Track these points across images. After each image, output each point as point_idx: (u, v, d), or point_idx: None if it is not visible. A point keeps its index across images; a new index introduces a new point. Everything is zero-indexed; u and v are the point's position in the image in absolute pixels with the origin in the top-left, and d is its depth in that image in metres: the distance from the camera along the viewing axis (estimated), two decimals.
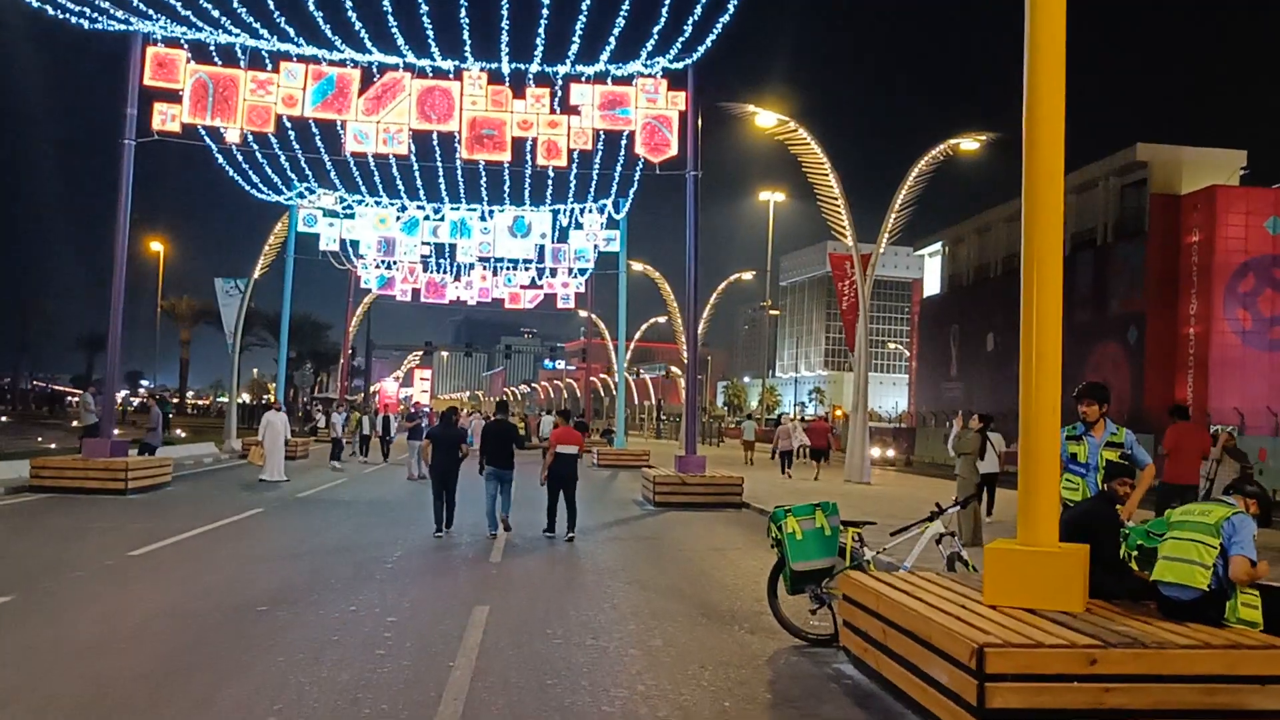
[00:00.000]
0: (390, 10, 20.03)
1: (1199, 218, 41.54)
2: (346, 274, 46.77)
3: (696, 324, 23.80)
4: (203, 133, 22.45)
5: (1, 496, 18.27)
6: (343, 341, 61.17)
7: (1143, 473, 7.95)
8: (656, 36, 20.49)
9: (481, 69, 21.37)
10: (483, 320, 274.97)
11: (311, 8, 19.56)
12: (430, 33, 20.48)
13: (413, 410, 36.54)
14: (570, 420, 17.07)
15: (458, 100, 21.38)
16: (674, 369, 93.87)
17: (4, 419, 55.29)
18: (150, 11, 19.71)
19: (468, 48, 20.95)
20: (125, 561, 11.76)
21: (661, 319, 62.90)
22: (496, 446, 15.26)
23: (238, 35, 20.68)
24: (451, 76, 21.44)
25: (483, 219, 34.47)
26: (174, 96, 20.84)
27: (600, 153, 24.09)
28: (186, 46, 20.70)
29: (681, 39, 20.39)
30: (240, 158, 25.06)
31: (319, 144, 23.49)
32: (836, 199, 29.03)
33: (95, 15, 19.65)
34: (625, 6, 19.68)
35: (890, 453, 45.29)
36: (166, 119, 20.93)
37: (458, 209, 34.06)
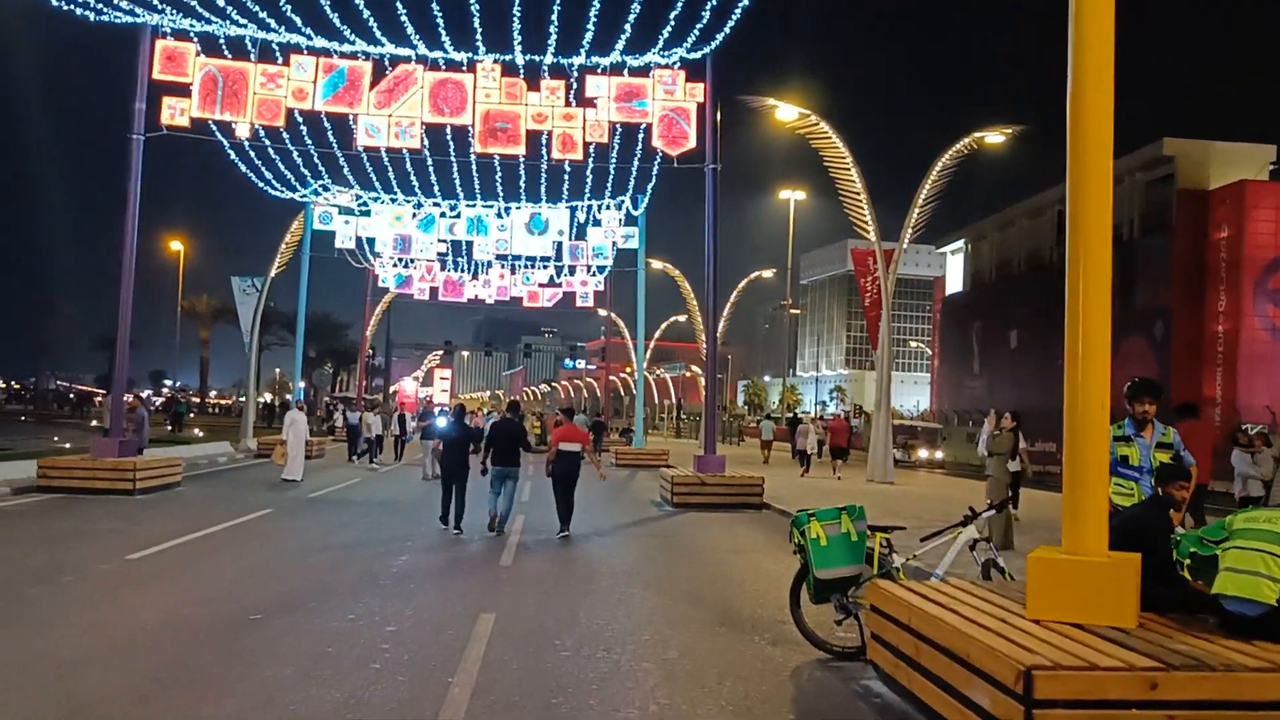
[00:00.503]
0: (402, 0, 19.61)
1: (1227, 213, 40.77)
2: (364, 273, 46.52)
3: (716, 322, 23.26)
4: (213, 128, 22.07)
5: (7, 497, 17.92)
6: (363, 343, 60.83)
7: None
8: (673, 24, 20.00)
9: (495, 61, 20.92)
10: (503, 320, 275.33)
11: None
12: (442, 24, 20.09)
13: (424, 409, 36.06)
14: (573, 418, 16.82)
15: (471, 93, 20.94)
16: (694, 368, 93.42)
17: (22, 419, 55.17)
18: (156, 3, 19.34)
19: (480, 39, 20.49)
20: (122, 566, 11.33)
21: (681, 318, 62.38)
22: (504, 446, 15.27)
23: (247, 27, 20.28)
24: (464, 69, 21.01)
25: (499, 216, 34.04)
26: (183, 90, 20.49)
27: (617, 147, 23.61)
28: (196, 39, 20.33)
29: (699, 26, 19.89)
30: (253, 154, 24.68)
31: (331, 139, 23.07)
32: (859, 194, 28.46)
33: (103, 7, 19.30)
34: None
35: (939, 454, 43.62)
36: (175, 113, 20.59)
37: (474, 206, 33.63)
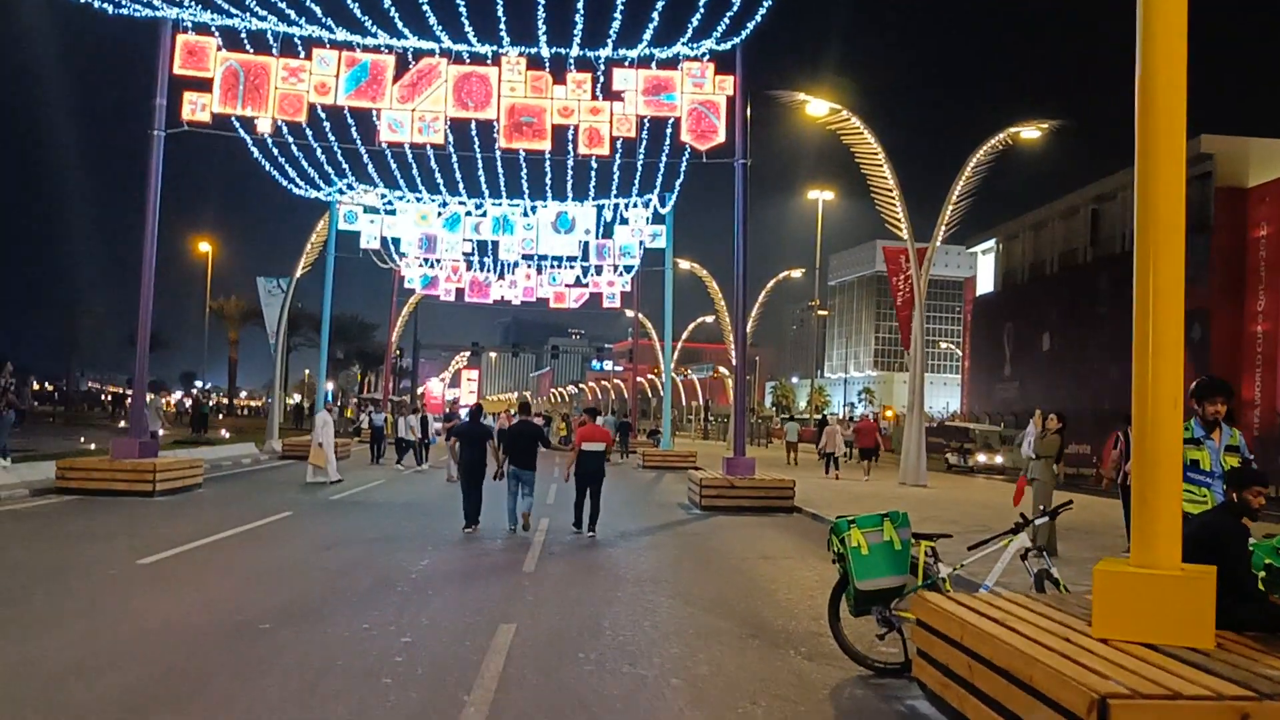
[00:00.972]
0: None
1: (1268, 210, 39.74)
2: (390, 273, 46.29)
3: (745, 320, 22.71)
4: (236, 124, 21.72)
5: (24, 499, 17.64)
6: (390, 344, 60.61)
7: None
8: (701, 13, 19.49)
9: (520, 54, 20.47)
10: (530, 321, 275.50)
11: None
12: (466, 15, 19.66)
13: (449, 410, 35.72)
14: (597, 418, 16.65)
15: (495, 87, 20.50)
16: (721, 369, 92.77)
17: (51, 420, 55.30)
18: None
19: (505, 30, 20.07)
20: (131, 570, 10.94)
21: (709, 318, 61.85)
22: (520, 447, 15.33)
23: (268, 20, 19.94)
24: (489, 62, 20.57)
25: (525, 215, 33.61)
26: (204, 85, 20.18)
27: (644, 142, 23.07)
28: (216, 33, 20.01)
29: (729, 15, 19.37)
30: (276, 150, 24.32)
31: (354, 135, 22.68)
32: (891, 191, 27.87)
33: (123, 1, 19.00)
34: None
35: (998, 459, 39.76)
36: (196, 109, 20.28)
37: (500, 204, 33.21)
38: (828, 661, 7.81)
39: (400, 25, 19.88)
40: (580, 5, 19.53)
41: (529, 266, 41.75)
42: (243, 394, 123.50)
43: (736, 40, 20.36)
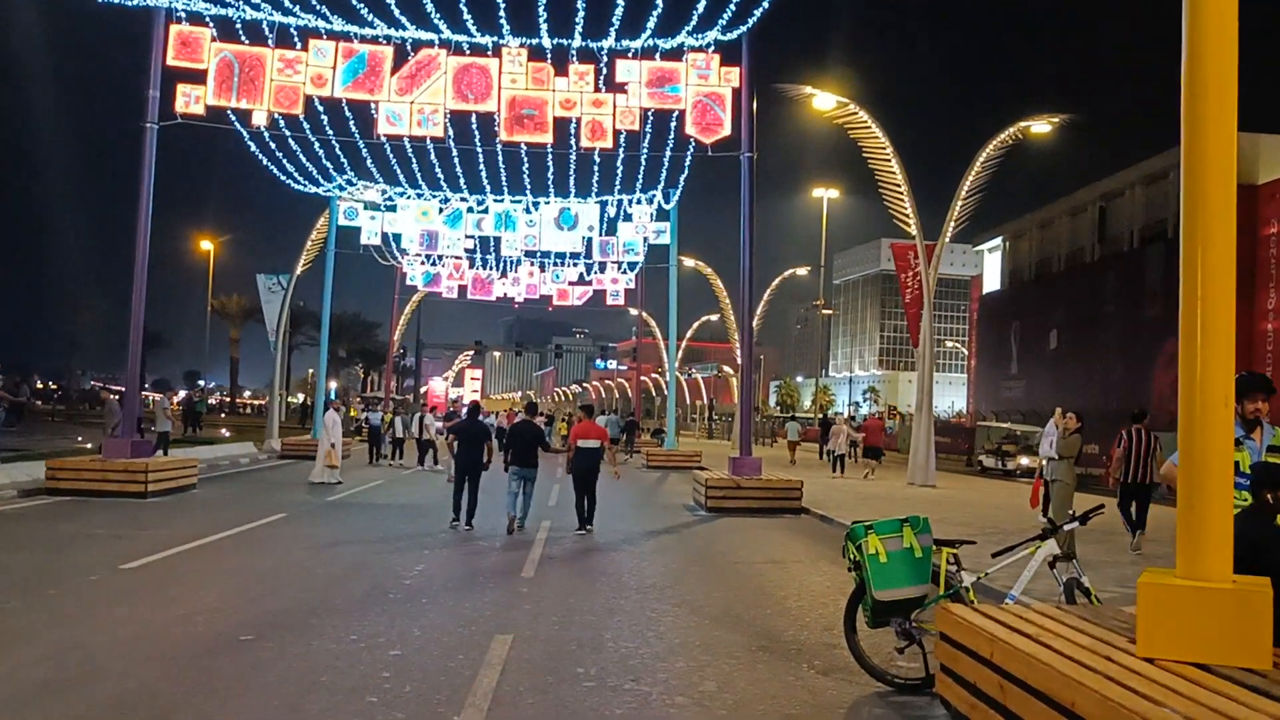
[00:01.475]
0: None
1: (1278, 208, 39.26)
2: (392, 271, 45.88)
3: (751, 315, 22.24)
4: (232, 118, 21.28)
5: (13, 500, 17.21)
6: (392, 342, 60.24)
7: None
8: (706, 1, 19.00)
9: (521, 45, 20.02)
10: (534, 320, 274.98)
11: None
12: (465, 6, 19.20)
13: (451, 409, 35.24)
14: (593, 415, 16.84)
15: (496, 78, 20.06)
16: (725, 368, 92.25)
17: (51, 419, 54.90)
18: None
19: (505, 20, 19.60)
20: (112, 577, 10.48)
21: (714, 316, 61.36)
22: (521, 446, 15.30)
23: (263, 10, 19.49)
24: (489, 53, 20.15)
25: (528, 211, 33.16)
26: (198, 77, 19.74)
27: (648, 135, 22.61)
28: (211, 23, 19.56)
29: (734, 2, 18.88)
30: (274, 145, 23.88)
31: (353, 129, 22.20)
32: (899, 186, 27.39)
33: None
34: None
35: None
36: (190, 101, 19.82)
37: (501, 200, 32.77)
38: (843, 676, 7.34)
39: (399, 15, 19.43)
40: None
41: (532, 264, 41.36)
42: (246, 393, 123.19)
43: (742, 29, 19.91)
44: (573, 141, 21.05)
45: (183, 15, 19.49)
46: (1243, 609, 5.05)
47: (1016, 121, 27.94)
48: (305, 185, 27.96)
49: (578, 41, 19.95)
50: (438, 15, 19.27)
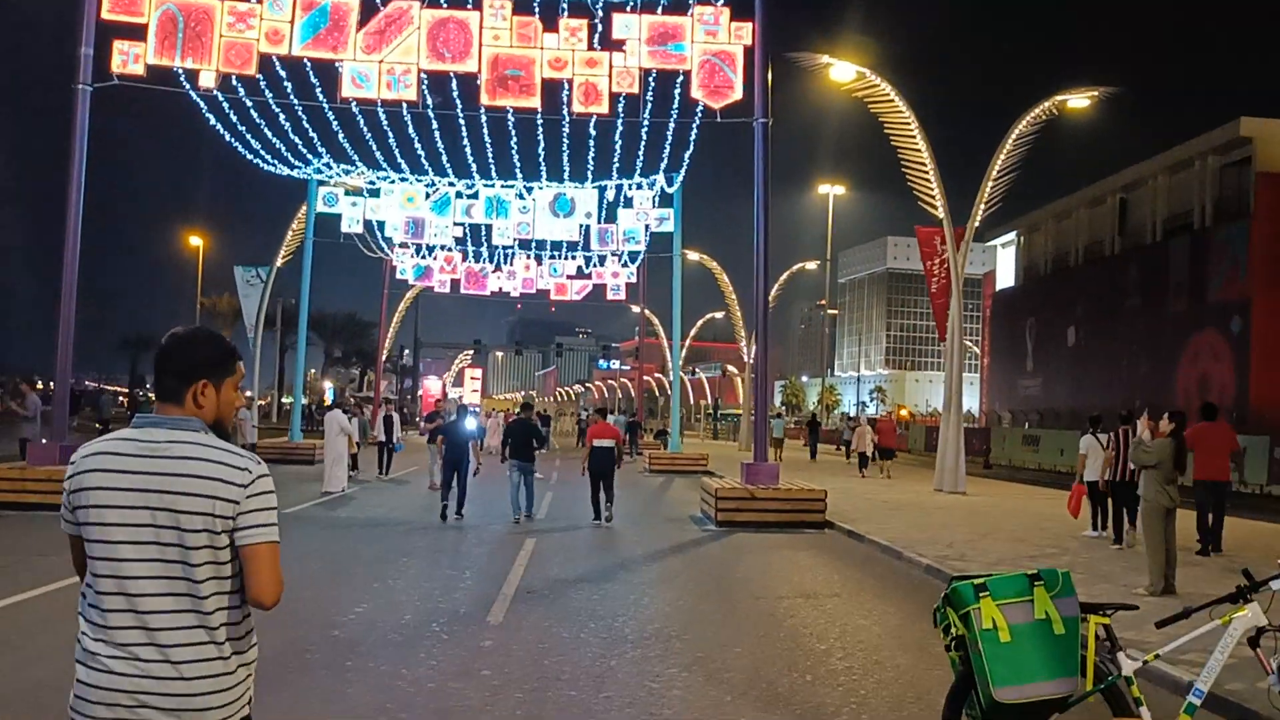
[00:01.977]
0: None
1: None
2: (382, 264, 43.66)
3: (766, 305, 19.80)
4: (183, 79, 18.79)
5: None
6: (382, 337, 57.95)
7: None
8: None
9: None
10: (536, 319, 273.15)
11: None
12: None
13: (434, 409, 32.79)
14: (607, 416, 17.98)
15: (476, 34, 17.79)
16: (730, 368, 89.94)
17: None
18: None
19: None
20: None
21: (719, 315, 59.10)
22: (518, 442, 16.48)
23: None
24: (469, 6, 17.80)
25: (520, 196, 30.77)
26: (137, 33, 17.39)
27: (650, 103, 20.16)
28: None
29: None
30: (234, 116, 21.35)
31: (319, 95, 19.73)
32: (924, 165, 24.95)
33: None
34: None
35: None
36: (128, 60, 17.50)
37: (492, 185, 30.36)
38: None
39: None
40: None
41: (528, 256, 39.14)
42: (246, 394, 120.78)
43: None
44: (564, 107, 18.67)
45: None
46: None
47: (1053, 95, 25.55)
48: (276, 166, 25.53)
49: None
50: None
